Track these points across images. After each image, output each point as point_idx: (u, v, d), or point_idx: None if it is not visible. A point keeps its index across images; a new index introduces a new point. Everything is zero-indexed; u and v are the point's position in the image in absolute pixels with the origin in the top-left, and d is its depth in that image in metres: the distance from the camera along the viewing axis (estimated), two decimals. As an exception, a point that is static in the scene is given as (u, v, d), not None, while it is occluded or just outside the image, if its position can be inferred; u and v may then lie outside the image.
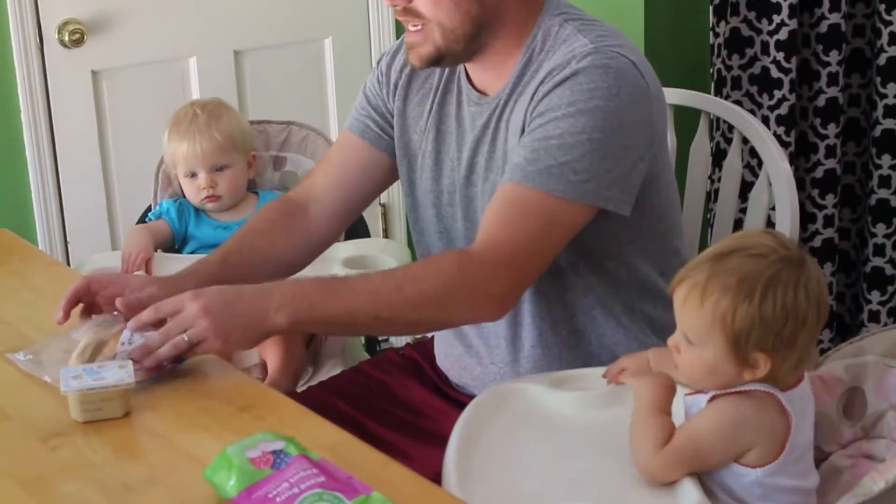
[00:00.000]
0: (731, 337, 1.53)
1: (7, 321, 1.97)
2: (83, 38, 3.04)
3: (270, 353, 2.40)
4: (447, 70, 1.98)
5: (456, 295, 1.76)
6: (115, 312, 1.79)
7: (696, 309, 1.55)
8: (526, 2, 1.88)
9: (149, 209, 2.65)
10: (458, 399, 2.01)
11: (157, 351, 1.69)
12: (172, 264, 2.45)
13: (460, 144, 1.97)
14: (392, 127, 2.06)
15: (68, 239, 3.14)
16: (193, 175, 2.51)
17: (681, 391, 1.66)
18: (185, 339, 1.68)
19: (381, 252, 2.48)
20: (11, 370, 1.79)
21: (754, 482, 1.56)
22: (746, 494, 1.57)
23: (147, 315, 1.72)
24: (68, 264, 3.05)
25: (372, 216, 3.42)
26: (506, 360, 2.00)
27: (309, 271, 2.41)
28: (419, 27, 1.85)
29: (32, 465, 1.53)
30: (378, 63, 2.09)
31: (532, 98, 1.84)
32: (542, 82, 1.83)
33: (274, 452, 1.42)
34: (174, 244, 2.57)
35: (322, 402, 2.04)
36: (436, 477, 1.64)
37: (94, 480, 1.49)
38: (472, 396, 1.88)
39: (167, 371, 1.73)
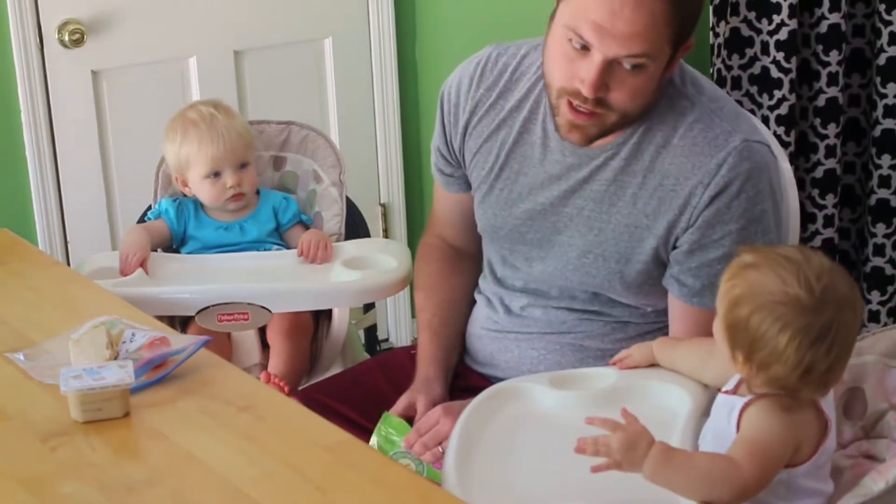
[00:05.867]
0: (725, 323, 1.59)
1: (7, 321, 1.97)
2: (83, 38, 3.03)
3: (275, 350, 2.40)
4: (526, 110, 1.98)
5: None
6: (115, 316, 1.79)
7: (725, 280, 1.61)
8: None
9: (149, 209, 2.64)
10: (475, 388, 2.02)
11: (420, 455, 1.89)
12: (171, 264, 2.45)
13: (546, 190, 1.97)
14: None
15: (68, 239, 3.13)
16: (217, 175, 2.48)
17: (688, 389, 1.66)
18: (441, 450, 1.84)
19: (382, 252, 2.48)
20: (11, 370, 1.79)
21: (782, 482, 1.57)
22: (768, 494, 1.57)
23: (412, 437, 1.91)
24: (68, 264, 3.04)
25: (372, 216, 3.42)
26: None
27: (308, 271, 2.42)
28: (595, 111, 1.84)
29: (32, 465, 1.53)
30: (441, 107, 2.08)
31: (680, 195, 1.87)
32: (695, 186, 1.85)
33: None
34: (172, 244, 2.57)
35: (325, 402, 2.04)
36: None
37: (94, 480, 1.49)
38: (493, 380, 1.98)
39: (168, 372, 1.73)
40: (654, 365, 1.86)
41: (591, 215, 1.94)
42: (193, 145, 2.47)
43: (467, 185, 2.11)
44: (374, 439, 1.93)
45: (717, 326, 1.61)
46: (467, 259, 2.20)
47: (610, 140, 1.90)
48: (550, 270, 2.00)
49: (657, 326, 2.01)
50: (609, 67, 1.78)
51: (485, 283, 2.15)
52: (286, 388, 2.27)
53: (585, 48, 1.78)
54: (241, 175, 2.48)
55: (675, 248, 1.90)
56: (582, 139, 1.88)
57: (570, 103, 1.83)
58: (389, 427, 1.94)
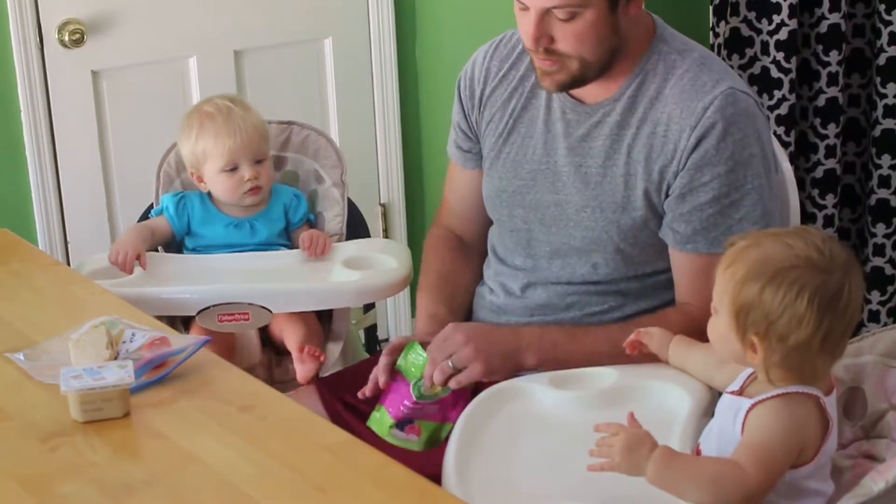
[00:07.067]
0: (735, 309, 1.56)
1: (7, 321, 1.97)
2: (83, 38, 3.03)
3: (287, 332, 2.37)
4: (535, 76, 2.03)
5: None
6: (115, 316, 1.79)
7: (721, 271, 1.60)
8: (645, 26, 1.98)
9: (150, 208, 2.64)
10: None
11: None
12: (171, 264, 2.45)
13: (549, 150, 2.03)
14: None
15: (68, 239, 3.13)
16: (234, 169, 2.47)
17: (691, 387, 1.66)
18: (450, 364, 1.88)
19: (382, 252, 2.47)
20: (11, 370, 1.79)
21: (785, 483, 1.57)
22: (772, 495, 1.57)
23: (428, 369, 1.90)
24: (68, 264, 3.04)
25: (372, 216, 3.42)
26: None
27: (309, 271, 2.42)
28: (550, 59, 1.92)
29: (32, 465, 1.53)
30: (458, 86, 2.16)
31: (670, 139, 1.92)
32: (682, 129, 1.91)
33: None
34: (175, 239, 2.56)
35: (333, 396, 2.03)
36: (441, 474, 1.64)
37: (94, 480, 1.49)
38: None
39: (168, 372, 1.73)
40: (658, 362, 1.87)
41: (588, 171, 1.99)
42: (210, 138, 2.45)
43: (480, 161, 2.15)
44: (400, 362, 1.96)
45: (720, 324, 1.60)
46: (476, 255, 2.22)
47: (607, 96, 1.97)
48: (553, 231, 2.03)
49: (654, 304, 2.02)
50: (545, 19, 1.88)
51: (488, 270, 2.17)
52: (322, 357, 2.29)
53: (526, 7, 1.89)
54: (258, 169, 2.47)
55: (668, 195, 1.94)
56: (553, 85, 1.96)
57: (533, 56, 1.95)
58: (415, 354, 1.94)
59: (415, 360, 1.93)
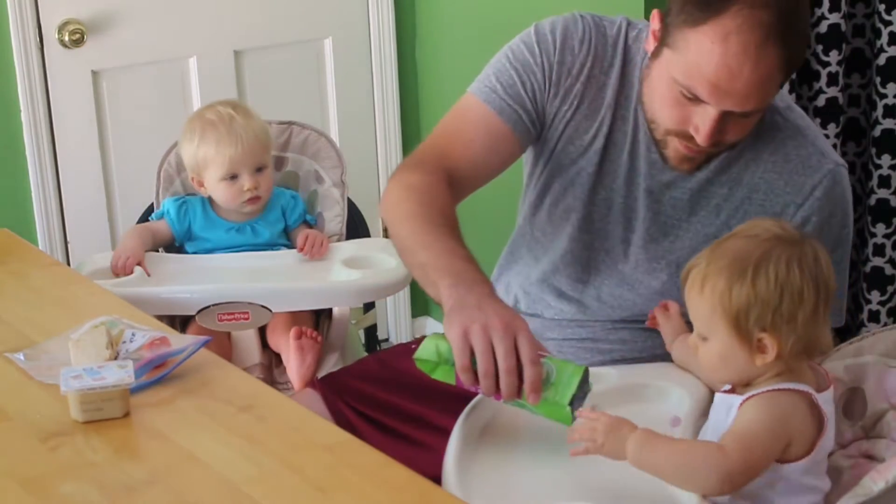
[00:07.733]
0: (731, 319, 1.56)
1: (7, 321, 1.97)
2: (83, 38, 3.04)
3: (286, 338, 2.37)
4: (617, 93, 1.91)
5: None
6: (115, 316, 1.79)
7: (697, 296, 1.59)
8: None
9: (150, 209, 2.64)
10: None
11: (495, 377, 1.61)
12: (171, 264, 2.46)
13: (629, 183, 1.93)
14: (539, 124, 1.95)
15: (68, 239, 3.13)
16: (234, 177, 2.48)
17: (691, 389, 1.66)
18: (500, 349, 1.59)
19: (382, 252, 2.48)
20: (11, 370, 1.78)
21: (782, 478, 1.57)
22: (766, 488, 1.57)
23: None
24: (68, 264, 3.04)
25: (372, 216, 3.42)
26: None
27: (308, 271, 2.42)
28: (710, 148, 1.82)
29: (32, 465, 1.53)
30: (543, 55, 1.93)
31: (769, 210, 1.87)
32: (787, 205, 1.87)
33: None
34: (175, 243, 2.56)
35: (336, 393, 2.02)
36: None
37: (94, 480, 1.49)
38: None
39: (168, 372, 1.73)
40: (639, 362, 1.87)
41: (667, 221, 1.93)
42: (211, 147, 2.46)
43: (524, 143, 1.96)
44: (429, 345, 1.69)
45: (715, 346, 1.59)
46: (454, 192, 1.91)
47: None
48: (620, 267, 1.97)
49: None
50: (724, 117, 1.76)
51: (507, 273, 2.10)
52: (319, 338, 2.30)
53: (698, 97, 1.75)
54: (258, 178, 2.48)
55: None
56: (692, 168, 1.89)
57: (682, 142, 1.83)
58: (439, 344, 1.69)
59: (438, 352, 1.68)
